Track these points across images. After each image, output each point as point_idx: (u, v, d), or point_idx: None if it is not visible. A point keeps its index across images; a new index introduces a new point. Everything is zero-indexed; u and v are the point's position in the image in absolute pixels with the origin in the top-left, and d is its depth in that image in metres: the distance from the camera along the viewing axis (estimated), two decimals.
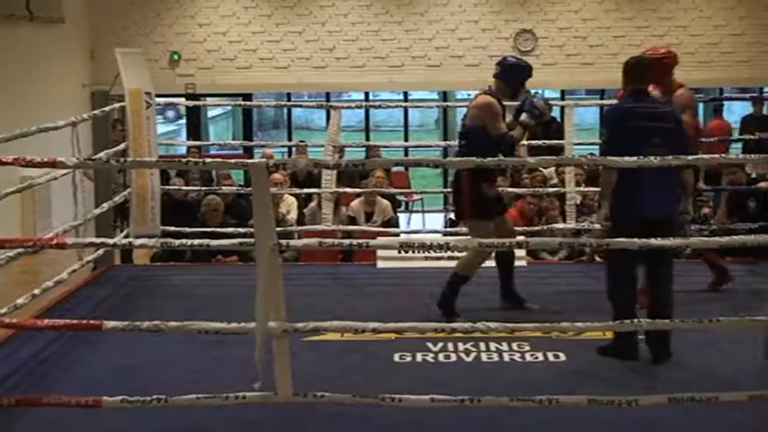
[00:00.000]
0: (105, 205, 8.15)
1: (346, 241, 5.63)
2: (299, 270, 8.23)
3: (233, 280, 7.78)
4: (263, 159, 4.53)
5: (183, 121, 19.70)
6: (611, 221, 5.65)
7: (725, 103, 15.32)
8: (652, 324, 5.30)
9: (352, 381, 5.42)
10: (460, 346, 6.03)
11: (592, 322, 5.33)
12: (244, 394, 4.62)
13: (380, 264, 8.21)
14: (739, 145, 12.96)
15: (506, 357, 5.90)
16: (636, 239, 4.84)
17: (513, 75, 6.74)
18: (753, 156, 6.48)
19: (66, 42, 14.70)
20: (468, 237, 6.81)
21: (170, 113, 21.40)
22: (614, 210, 5.65)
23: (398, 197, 12.92)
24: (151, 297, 7.48)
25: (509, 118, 6.88)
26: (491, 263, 6.83)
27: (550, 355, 5.89)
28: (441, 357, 5.91)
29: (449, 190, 7.59)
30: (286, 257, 8.46)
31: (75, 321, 5.38)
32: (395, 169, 13.98)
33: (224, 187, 9.86)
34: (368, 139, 16.35)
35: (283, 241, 4.75)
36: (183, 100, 13.96)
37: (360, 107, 12.03)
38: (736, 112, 16.88)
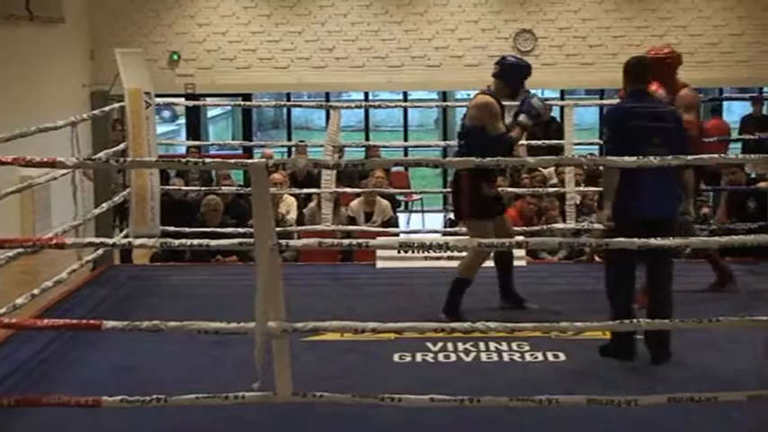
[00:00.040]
0: (105, 205, 8.15)
1: (346, 241, 5.63)
2: (299, 270, 8.23)
3: (232, 280, 7.78)
4: (263, 159, 4.53)
5: (180, 121, 19.74)
6: (613, 221, 5.64)
7: (724, 103, 15.33)
8: (651, 324, 5.30)
9: (351, 381, 5.42)
10: (460, 346, 6.03)
11: (591, 322, 5.33)
12: (243, 394, 4.62)
13: (380, 264, 8.21)
14: (739, 145, 12.97)
15: (506, 357, 5.90)
16: (635, 239, 4.85)
17: (512, 74, 6.74)
18: (752, 156, 6.47)
19: (66, 42, 14.70)
20: (467, 237, 6.80)
21: (165, 113, 21.36)
22: (614, 209, 5.65)
23: (398, 197, 12.92)
24: (151, 297, 7.48)
25: (509, 118, 6.88)
26: (489, 263, 6.83)
27: (550, 355, 5.89)
28: (440, 357, 5.91)
29: (448, 190, 7.59)
30: (285, 257, 8.46)
31: (74, 321, 5.38)
32: (394, 169, 13.98)
33: (223, 187, 9.86)
34: (367, 139, 16.35)
35: (283, 241, 4.76)
36: (182, 100, 13.95)
37: (359, 107, 12.04)
38: (735, 112, 16.89)
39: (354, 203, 9.72)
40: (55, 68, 14.14)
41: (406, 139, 16.38)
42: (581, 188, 9.39)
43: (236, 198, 9.76)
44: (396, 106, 15.81)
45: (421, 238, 8.88)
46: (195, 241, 4.93)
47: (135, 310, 6.80)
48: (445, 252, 7.13)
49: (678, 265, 6.52)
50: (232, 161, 5.03)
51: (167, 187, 9.68)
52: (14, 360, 5.87)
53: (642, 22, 15.56)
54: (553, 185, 10.22)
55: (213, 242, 4.92)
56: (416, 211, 15.23)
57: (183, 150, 13.60)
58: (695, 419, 4.87)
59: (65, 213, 8.24)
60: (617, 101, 6.91)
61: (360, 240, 5.28)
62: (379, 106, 11.32)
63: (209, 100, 15.57)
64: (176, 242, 4.98)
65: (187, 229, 8.33)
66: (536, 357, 5.88)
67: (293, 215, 9.77)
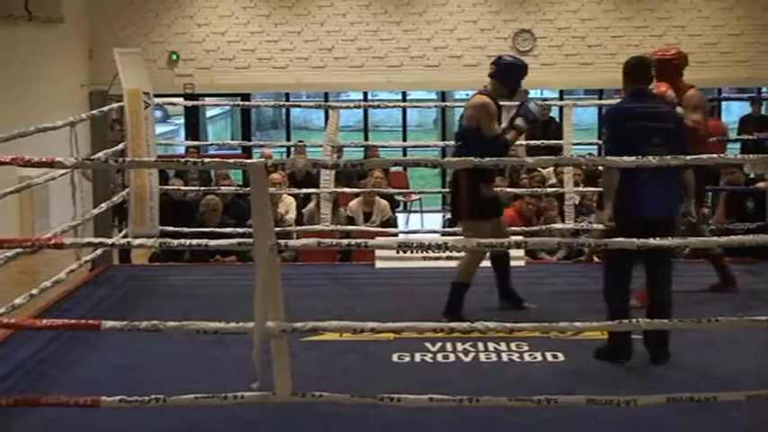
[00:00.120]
0: (104, 205, 8.14)
1: (345, 241, 5.63)
2: (298, 270, 8.23)
3: (231, 280, 7.78)
4: (262, 159, 4.53)
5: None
6: (614, 221, 5.64)
7: (723, 103, 15.32)
8: (650, 324, 5.30)
9: (350, 381, 5.42)
10: (459, 347, 6.03)
11: (590, 322, 5.34)
12: (242, 394, 4.62)
13: (379, 264, 8.21)
14: (737, 145, 12.97)
15: (505, 357, 5.90)
16: (634, 239, 4.85)
17: (508, 74, 6.71)
18: (751, 156, 6.47)
19: (65, 42, 14.70)
20: (464, 237, 6.80)
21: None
22: (614, 209, 5.64)
23: (397, 197, 12.93)
24: (150, 297, 7.48)
25: (507, 117, 6.88)
26: (486, 263, 6.82)
27: (549, 355, 5.89)
28: (439, 357, 5.91)
29: (447, 190, 7.58)
30: (285, 257, 8.47)
31: (73, 321, 5.37)
32: (393, 169, 13.98)
33: (222, 187, 9.85)
34: (366, 138, 16.34)
35: (282, 241, 4.75)
36: (181, 100, 13.95)
37: (358, 107, 12.03)
38: (734, 112, 16.89)
39: (353, 203, 9.72)
40: (54, 68, 14.14)
41: (404, 140, 16.38)
42: (580, 188, 9.39)
43: (235, 198, 9.76)
44: (395, 106, 15.81)
45: (420, 238, 8.88)
46: (194, 241, 4.93)
47: (134, 310, 6.80)
48: (444, 252, 7.12)
49: (678, 266, 6.54)
50: (231, 161, 5.03)
51: (166, 187, 9.68)
52: (13, 360, 5.86)
53: (641, 22, 15.57)
54: (552, 186, 10.22)
55: (212, 242, 4.91)
56: (415, 212, 15.23)
57: (181, 150, 13.61)
58: (694, 419, 4.87)
59: (63, 213, 8.24)
60: (616, 101, 6.90)
61: (359, 240, 5.27)
62: (378, 106, 11.32)
63: (207, 100, 15.56)
64: (175, 242, 4.98)
65: (186, 229, 8.33)
66: (535, 357, 5.88)
67: (292, 215, 9.77)
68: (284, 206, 9.79)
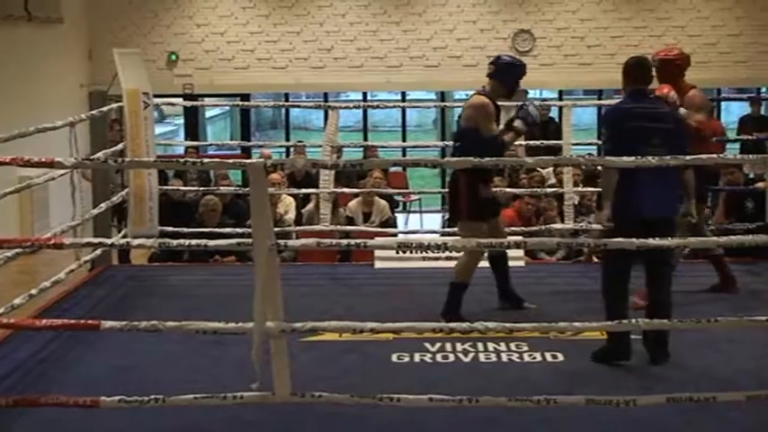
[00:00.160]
0: (103, 205, 8.14)
1: (344, 241, 5.63)
2: (297, 270, 8.23)
3: (231, 280, 7.78)
4: (261, 159, 4.53)
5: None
6: (612, 221, 5.64)
7: (722, 103, 15.31)
8: (650, 324, 5.30)
9: (349, 381, 5.42)
10: (458, 347, 6.03)
11: (590, 322, 5.34)
12: (241, 394, 4.62)
13: (378, 264, 8.21)
14: (737, 145, 12.97)
15: (504, 357, 5.90)
16: (633, 239, 4.85)
17: (507, 74, 6.70)
18: (750, 156, 6.48)
19: (65, 42, 14.70)
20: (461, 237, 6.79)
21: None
22: (613, 209, 5.64)
23: (396, 197, 12.94)
24: (149, 297, 7.48)
25: (505, 117, 6.88)
26: (485, 263, 6.81)
27: (548, 356, 5.89)
28: (439, 357, 5.91)
29: (446, 190, 7.58)
30: (284, 257, 8.47)
31: (72, 321, 5.37)
32: (393, 169, 13.98)
33: (222, 187, 9.85)
34: (366, 139, 16.34)
35: (281, 241, 4.75)
36: (180, 100, 13.94)
37: (358, 107, 12.04)
38: (733, 112, 16.89)
39: (353, 204, 9.72)
40: (53, 69, 14.14)
41: (404, 140, 16.38)
42: (579, 188, 9.40)
43: (234, 198, 9.76)
44: (394, 106, 15.80)
45: (419, 239, 8.89)
46: (193, 241, 4.92)
47: (133, 310, 6.80)
48: (443, 252, 7.13)
49: (678, 266, 6.54)
50: (230, 161, 5.02)
51: (166, 187, 9.68)
52: (13, 360, 5.86)
53: (640, 22, 15.57)
54: (551, 186, 10.23)
55: (211, 242, 4.91)
56: (415, 212, 15.23)
57: (181, 151, 13.60)
58: (694, 419, 4.87)
59: (63, 213, 8.24)
60: (616, 101, 6.90)
61: (358, 240, 5.27)
62: (378, 106, 11.31)
63: (207, 100, 15.56)
64: (174, 242, 4.98)
65: (185, 230, 8.33)
66: (534, 358, 5.88)
67: (292, 215, 9.78)
68: (283, 206, 9.80)
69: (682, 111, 6.58)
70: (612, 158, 5.01)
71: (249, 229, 5.31)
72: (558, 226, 8.75)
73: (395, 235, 9.31)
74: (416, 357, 5.90)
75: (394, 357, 5.90)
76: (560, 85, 16.07)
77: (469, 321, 5.10)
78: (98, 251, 7.93)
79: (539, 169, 10.73)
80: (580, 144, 10.66)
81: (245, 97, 15.38)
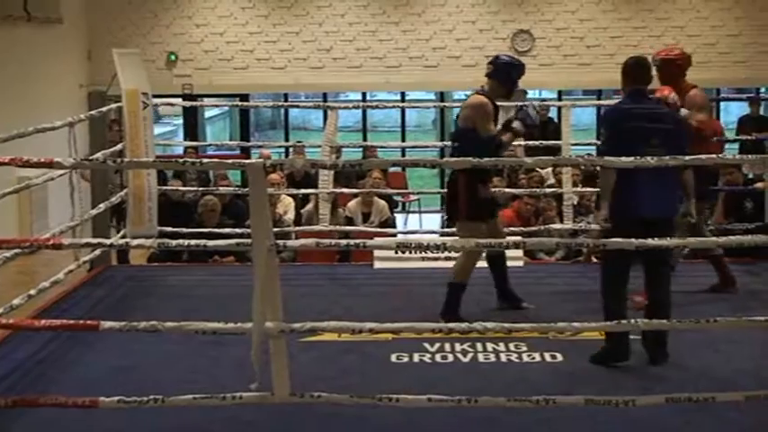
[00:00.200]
0: (102, 206, 8.13)
1: (343, 242, 5.63)
2: (297, 270, 8.23)
3: (230, 280, 7.78)
4: (260, 160, 4.53)
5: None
6: (611, 221, 5.64)
7: (722, 103, 15.33)
8: (649, 324, 5.30)
9: (349, 381, 5.42)
10: (457, 347, 6.03)
11: (589, 323, 5.34)
12: (241, 395, 4.62)
13: (377, 264, 8.21)
14: (736, 145, 12.98)
15: (503, 358, 5.90)
16: (632, 240, 4.84)
17: (506, 73, 6.70)
18: (750, 156, 6.48)
19: (64, 43, 14.70)
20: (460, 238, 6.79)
21: None
22: (612, 210, 5.65)
23: (395, 197, 12.94)
24: (148, 297, 7.48)
25: (504, 117, 6.88)
26: (483, 263, 6.81)
27: (547, 356, 5.89)
28: (438, 358, 5.91)
29: (445, 191, 7.57)
30: (283, 258, 8.47)
31: (71, 322, 5.37)
32: (392, 170, 13.98)
33: (221, 188, 9.85)
34: (365, 139, 16.35)
35: (280, 242, 4.75)
36: (179, 100, 13.94)
37: (357, 107, 12.05)
38: (732, 112, 16.90)
39: (352, 204, 9.72)
40: (52, 69, 14.14)
41: (403, 140, 16.39)
42: (578, 189, 9.39)
43: (233, 198, 9.76)
44: (393, 107, 15.79)
45: (418, 239, 8.89)
46: (192, 242, 4.92)
47: (132, 310, 6.80)
48: (443, 252, 7.12)
49: (677, 266, 6.54)
50: (229, 162, 5.04)
51: (165, 188, 9.69)
52: (12, 360, 5.86)
53: (640, 22, 15.57)
54: (550, 186, 10.23)
55: (210, 242, 4.91)
56: (414, 212, 15.23)
57: (180, 151, 13.60)
58: (693, 420, 4.88)
59: (62, 214, 8.23)
60: (615, 101, 6.90)
61: (357, 241, 5.27)
62: (377, 107, 11.31)
63: (206, 100, 15.57)
64: (174, 243, 4.98)
65: (184, 230, 8.33)
66: (533, 358, 5.88)
67: (291, 215, 9.77)
68: (283, 206, 9.79)
69: (683, 111, 6.57)
70: (611, 158, 5.01)
71: (248, 230, 5.31)
72: (557, 226, 8.75)
73: (394, 235, 9.30)
74: (415, 357, 5.90)
75: (393, 357, 5.90)
76: (559, 86, 16.08)
77: (468, 322, 5.10)
78: (97, 251, 7.93)
79: (538, 169, 10.73)
80: (579, 144, 10.66)
81: (245, 97, 15.38)
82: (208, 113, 20.29)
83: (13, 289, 7.85)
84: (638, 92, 5.83)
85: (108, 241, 6.03)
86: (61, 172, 6.71)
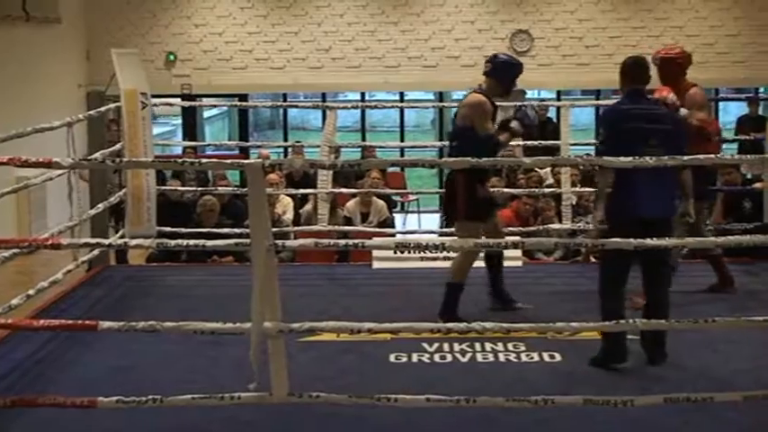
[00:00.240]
0: (100, 206, 8.14)
1: (342, 242, 5.61)
2: (295, 270, 8.23)
3: (229, 280, 7.78)
4: (259, 160, 4.53)
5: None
6: (608, 222, 5.64)
7: (720, 103, 15.33)
8: (647, 324, 5.30)
9: (347, 381, 5.43)
10: (456, 347, 6.03)
11: (587, 323, 5.34)
12: (239, 395, 4.62)
13: (376, 264, 8.20)
14: (735, 145, 12.98)
15: (502, 358, 5.90)
16: (631, 239, 4.84)
17: (504, 72, 6.69)
18: (748, 156, 6.48)
19: (62, 43, 14.69)
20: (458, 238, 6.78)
21: None
22: (610, 210, 5.64)
23: (394, 197, 12.94)
24: (146, 297, 7.48)
25: (502, 117, 6.88)
26: (480, 263, 6.80)
27: (546, 356, 5.89)
28: (436, 358, 5.91)
29: (444, 191, 7.57)
30: (282, 258, 8.47)
31: (70, 322, 5.37)
32: (391, 170, 13.99)
33: (220, 188, 9.85)
34: (364, 139, 16.37)
35: (279, 242, 4.75)
36: (178, 100, 13.94)
37: (356, 107, 12.05)
38: (731, 112, 16.91)
39: (350, 204, 9.73)
40: (51, 69, 14.13)
41: (402, 140, 16.41)
42: (577, 189, 9.40)
43: (232, 198, 9.76)
44: (392, 107, 15.78)
45: (417, 239, 8.88)
46: (191, 242, 4.92)
47: (131, 310, 6.79)
48: (441, 252, 7.12)
49: (678, 267, 6.54)
50: (228, 162, 5.02)
51: (163, 188, 9.68)
52: (10, 360, 5.86)
53: (638, 22, 15.57)
54: (549, 186, 10.23)
55: (209, 243, 4.91)
56: (413, 212, 15.24)
57: (179, 151, 13.60)
58: (691, 420, 4.88)
59: (60, 214, 8.24)
60: (614, 101, 6.89)
61: (356, 241, 5.28)
62: (376, 107, 11.31)
63: (205, 100, 15.55)
64: (172, 243, 4.98)
65: (183, 230, 8.32)
66: (532, 358, 5.88)
67: (289, 215, 9.78)
68: (281, 206, 9.80)
69: (682, 111, 6.56)
70: (610, 158, 5.00)
71: (247, 230, 5.31)
72: (556, 226, 8.76)
73: (393, 235, 9.31)
74: (414, 357, 5.90)
75: (392, 357, 5.90)
76: (558, 86, 16.09)
77: (467, 322, 5.10)
78: (95, 251, 7.93)
79: (536, 169, 10.73)
80: (578, 144, 10.67)
81: (243, 97, 15.38)
82: (206, 113, 20.28)
83: (12, 289, 7.85)
84: (636, 92, 5.82)
85: (107, 241, 6.04)
86: (60, 172, 6.71)
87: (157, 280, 8.05)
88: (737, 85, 15.96)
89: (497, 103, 6.76)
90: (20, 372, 5.72)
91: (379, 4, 15.65)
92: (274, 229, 5.77)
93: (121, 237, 8.21)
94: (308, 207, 9.54)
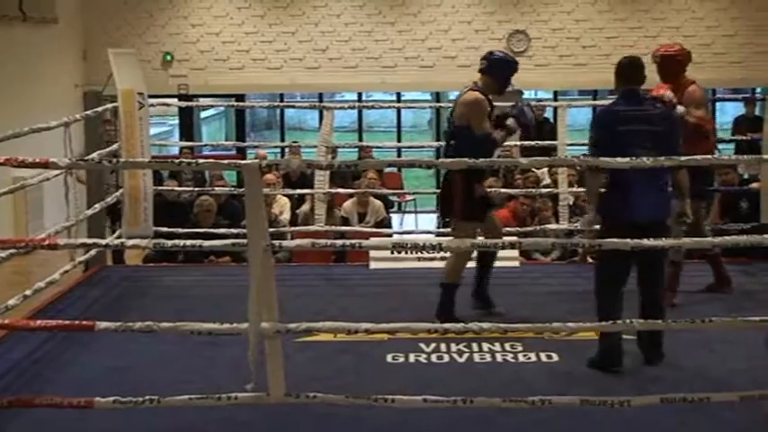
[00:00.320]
0: (97, 206, 8.13)
1: (339, 242, 5.62)
2: (292, 271, 8.23)
3: (225, 281, 7.78)
4: (256, 160, 4.53)
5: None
6: (602, 225, 5.63)
7: (717, 103, 15.34)
8: (644, 325, 5.30)
9: (344, 381, 5.43)
10: (453, 347, 6.03)
11: (584, 323, 5.34)
12: (236, 395, 4.62)
13: (373, 264, 8.20)
14: (732, 146, 13.00)
15: (499, 358, 5.90)
16: (628, 240, 4.83)
17: (499, 70, 6.67)
18: (745, 156, 6.49)
19: (59, 43, 14.69)
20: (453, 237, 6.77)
21: None
22: (605, 213, 5.63)
23: (391, 198, 12.94)
24: (143, 298, 7.47)
25: (498, 113, 6.86)
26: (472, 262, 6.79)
27: (543, 356, 5.89)
28: (433, 358, 5.91)
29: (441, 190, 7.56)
30: (279, 258, 8.45)
31: (67, 322, 5.36)
32: (388, 170, 13.99)
33: (217, 188, 9.84)
34: (360, 139, 16.37)
35: (276, 242, 4.75)
36: (175, 101, 13.93)
37: (352, 108, 12.03)
38: (728, 112, 16.93)
39: (347, 204, 9.73)
40: (48, 69, 14.13)
41: (399, 140, 16.42)
42: (574, 189, 9.39)
43: (229, 199, 9.76)
44: (389, 107, 15.80)
45: (414, 239, 8.88)
46: (188, 242, 4.91)
47: (128, 310, 6.80)
48: (438, 253, 7.10)
49: (683, 266, 6.55)
50: (225, 162, 5.02)
51: (160, 188, 9.67)
52: (7, 361, 5.86)
53: (635, 23, 15.59)
54: (546, 186, 10.23)
55: (206, 243, 4.90)
56: (410, 212, 15.24)
57: (176, 151, 13.59)
58: (688, 420, 4.88)
59: (57, 214, 8.22)
60: (609, 101, 6.88)
61: (353, 241, 5.29)
62: (373, 107, 11.30)
63: (202, 101, 15.57)
64: (169, 243, 4.97)
65: (180, 230, 8.31)
66: (529, 358, 5.88)
67: (286, 216, 9.77)
68: (278, 207, 9.79)
69: (679, 109, 6.54)
70: (606, 159, 4.98)
71: (244, 230, 5.31)
72: (553, 226, 8.76)
73: (390, 235, 9.31)
74: (411, 358, 5.91)
75: (389, 358, 5.90)
76: (555, 86, 16.10)
77: (464, 322, 5.10)
78: (92, 252, 7.92)
79: (533, 170, 10.73)
80: (575, 144, 10.65)
81: (240, 98, 15.38)
82: (203, 114, 20.29)
83: (9, 289, 7.84)
84: (630, 92, 5.78)
85: (103, 241, 6.03)
86: (56, 172, 6.70)
87: (154, 280, 8.05)
88: (734, 85, 15.98)
89: (496, 104, 6.76)
90: (17, 372, 5.72)
91: (375, 5, 15.65)
92: (271, 230, 5.76)
93: (118, 237, 8.20)
94: (305, 207, 9.55)
